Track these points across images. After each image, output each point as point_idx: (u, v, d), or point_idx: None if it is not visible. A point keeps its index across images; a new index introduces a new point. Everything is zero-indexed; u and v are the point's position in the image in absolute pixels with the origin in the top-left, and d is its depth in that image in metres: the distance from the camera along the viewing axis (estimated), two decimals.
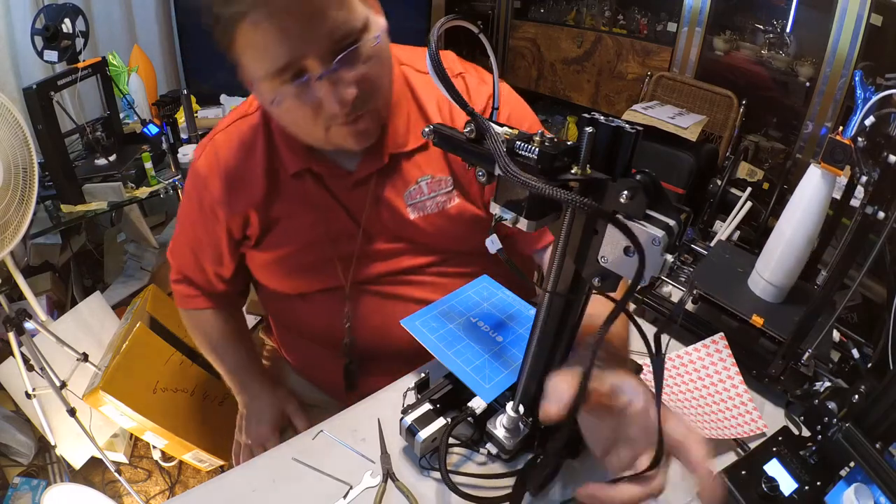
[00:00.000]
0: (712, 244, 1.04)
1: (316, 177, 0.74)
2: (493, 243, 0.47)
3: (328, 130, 0.65)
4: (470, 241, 0.79)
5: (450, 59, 0.79)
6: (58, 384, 1.27)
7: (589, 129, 0.38)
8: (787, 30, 2.17)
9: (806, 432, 0.64)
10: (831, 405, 0.59)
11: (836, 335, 0.83)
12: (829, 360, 0.76)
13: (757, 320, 0.77)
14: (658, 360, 0.41)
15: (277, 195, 0.76)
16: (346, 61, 0.59)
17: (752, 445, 0.66)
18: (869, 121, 0.64)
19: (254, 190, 0.75)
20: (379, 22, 0.64)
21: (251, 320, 1.87)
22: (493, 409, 0.61)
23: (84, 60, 1.58)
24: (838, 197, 0.79)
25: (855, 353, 0.79)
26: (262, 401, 0.89)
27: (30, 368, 1.25)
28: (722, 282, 0.85)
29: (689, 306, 0.86)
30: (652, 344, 0.41)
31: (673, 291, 0.92)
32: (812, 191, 0.75)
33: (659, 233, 0.36)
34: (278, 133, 0.74)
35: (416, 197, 0.75)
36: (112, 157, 1.68)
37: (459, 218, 0.77)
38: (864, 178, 0.65)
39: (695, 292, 0.84)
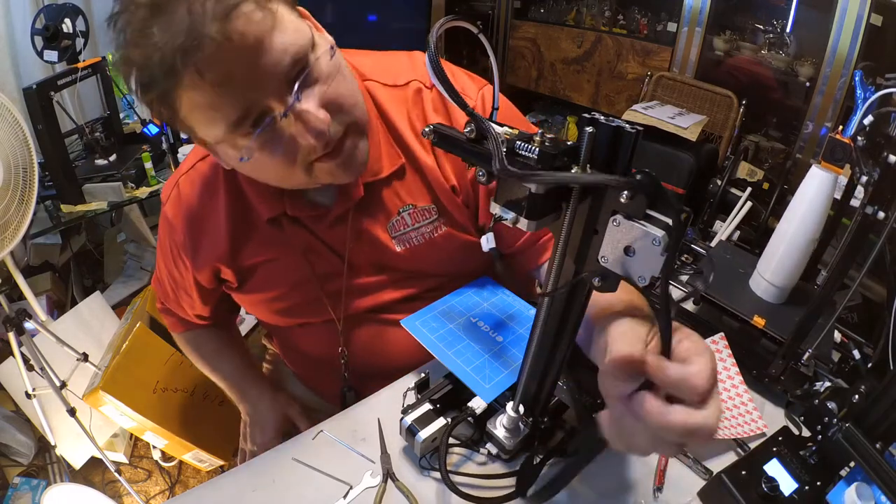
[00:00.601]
0: (712, 244, 1.05)
1: (292, 219, 0.69)
2: (487, 241, 0.46)
3: (311, 170, 0.58)
4: (463, 266, 0.77)
5: (417, 61, 0.74)
6: (58, 384, 1.27)
7: (589, 129, 0.38)
8: (787, 30, 2.17)
9: (806, 432, 0.64)
10: (831, 405, 0.59)
11: (837, 336, 0.83)
12: (829, 360, 0.76)
13: (758, 321, 0.77)
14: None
15: (250, 241, 0.71)
16: (306, 86, 0.53)
17: (752, 445, 0.66)
18: (868, 119, 0.64)
19: (217, 242, 0.71)
20: (325, 38, 0.58)
21: (251, 321, 1.87)
22: (493, 409, 0.61)
23: (84, 60, 1.58)
24: (838, 197, 0.79)
25: (856, 353, 0.78)
26: (264, 407, 0.88)
27: (30, 368, 1.25)
28: (723, 282, 0.85)
29: (690, 307, 0.86)
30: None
31: (673, 291, 0.92)
32: (814, 191, 0.75)
33: (659, 233, 0.36)
34: (245, 178, 0.67)
35: (399, 229, 0.71)
36: (112, 158, 1.68)
37: (449, 246, 0.73)
38: (864, 178, 0.65)
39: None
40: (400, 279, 0.76)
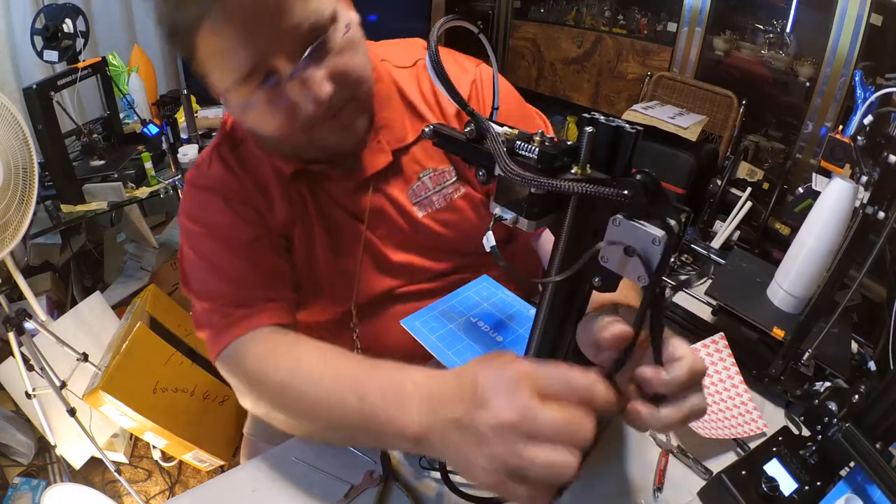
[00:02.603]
0: (713, 244, 1.05)
1: (314, 180, 0.69)
2: (487, 240, 0.47)
3: (310, 131, 0.60)
4: (479, 238, 0.77)
5: (417, 45, 0.76)
6: (58, 384, 1.27)
7: (589, 129, 0.38)
8: (787, 30, 2.17)
9: (806, 432, 0.64)
10: (831, 405, 0.59)
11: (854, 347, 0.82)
12: (847, 368, 0.74)
13: (778, 333, 0.76)
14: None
15: (280, 198, 0.69)
16: (315, 56, 0.55)
17: (752, 445, 0.66)
18: (868, 119, 0.64)
19: (279, 200, 0.68)
20: (349, 15, 0.60)
21: None
22: None
23: (84, 60, 1.58)
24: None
25: (872, 365, 0.77)
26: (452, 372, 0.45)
27: (30, 368, 1.25)
28: (740, 292, 0.84)
29: (708, 317, 0.85)
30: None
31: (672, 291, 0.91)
32: (834, 202, 0.74)
33: (659, 233, 0.36)
34: (265, 147, 0.68)
35: (420, 194, 0.72)
36: (110, 158, 1.68)
37: (468, 207, 0.74)
38: (864, 178, 0.65)
39: (714, 303, 0.83)
40: (420, 257, 0.76)
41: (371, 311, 0.77)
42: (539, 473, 0.36)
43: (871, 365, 0.78)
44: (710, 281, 0.94)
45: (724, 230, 1.77)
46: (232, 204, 0.67)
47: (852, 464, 0.57)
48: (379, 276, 0.75)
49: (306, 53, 0.54)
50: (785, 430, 0.64)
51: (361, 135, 0.66)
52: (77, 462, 1.49)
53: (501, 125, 0.43)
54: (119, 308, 1.76)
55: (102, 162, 1.67)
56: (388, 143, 0.69)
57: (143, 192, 1.66)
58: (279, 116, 0.58)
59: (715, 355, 0.76)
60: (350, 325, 0.76)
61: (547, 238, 0.76)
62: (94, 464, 1.52)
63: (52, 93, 1.40)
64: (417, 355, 0.71)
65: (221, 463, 1.50)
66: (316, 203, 0.70)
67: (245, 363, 0.60)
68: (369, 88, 0.64)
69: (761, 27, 2.23)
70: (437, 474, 0.60)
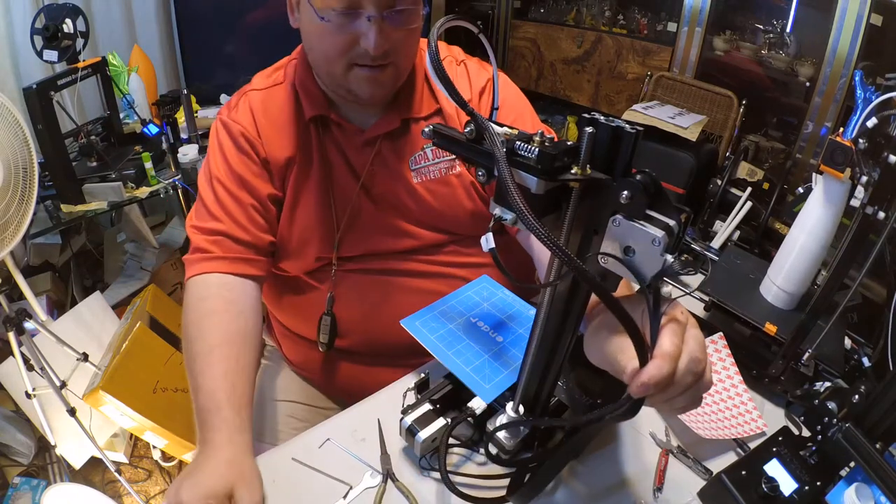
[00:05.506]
0: (713, 244, 1.05)
1: (329, 128, 0.78)
2: (486, 241, 0.47)
3: (349, 70, 0.70)
4: (468, 219, 0.81)
5: (454, 50, 0.86)
6: (58, 384, 1.27)
7: (589, 129, 0.38)
8: (788, 30, 2.17)
9: (806, 432, 0.64)
10: (831, 405, 0.59)
11: (847, 343, 0.82)
12: (841, 364, 0.74)
13: (770, 328, 0.76)
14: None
15: (297, 137, 0.78)
16: (395, 18, 0.67)
17: (752, 445, 0.67)
18: (871, 122, 0.64)
19: (287, 140, 0.78)
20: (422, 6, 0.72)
21: None
22: (493, 409, 0.61)
23: (84, 60, 1.58)
24: None
25: (865, 361, 0.77)
26: (216, 462, 0.58)
27: (30, 368, 1.25)
28: (733, 288, 0.84)
29: (701, 313, 0.85)
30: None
31: (673, 292, 0.91)
32: (826, 198, 0.74)
33: (659, 233, 0.36)
34: (301, 85, 0.78)
35: (420, 162, 0.80)
36: (110, 158, 1.68)
37: (460, 185, 0.80)
38: (864, 179, 0.65)
39: (707, 299, 0.83)
40: (405, 225, 0.81)
41: (350, 266, 0.82)
42: None
43: (865, 360, 0.78)
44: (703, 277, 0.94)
45: (724, 230, 1.77)
46: (240, 144, 0.77)
47: (852, 464, 0.57)
48: (364, 234, 0.81)
49: (395, 9, 0.66)
50: (785, 430, 0.64)
51: (384, 98, 0.76)
52: (77, 462, 1.49)
53: (501, 125, 0.43)
54: (119, 308, 1.76)
55: (102, 162, 1.66)
56: (401, 112, 0.78)
57: (143, 192, 1.66)
58: (339, 40, 0.67)
59: (714, 355, 0.76)
60: (331, 275, 0.81)
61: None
62: (94, 464, 1.52)
63: (52, 93, 1.40)
64: (418, 351, 0.72)
65: None
66: (321, 148, 0.78)
67: (188, 298, 0.74)
68: (405, 69, 0.76)
69: (761, 27, 2.24)
70: (437, 474, 0.60)
